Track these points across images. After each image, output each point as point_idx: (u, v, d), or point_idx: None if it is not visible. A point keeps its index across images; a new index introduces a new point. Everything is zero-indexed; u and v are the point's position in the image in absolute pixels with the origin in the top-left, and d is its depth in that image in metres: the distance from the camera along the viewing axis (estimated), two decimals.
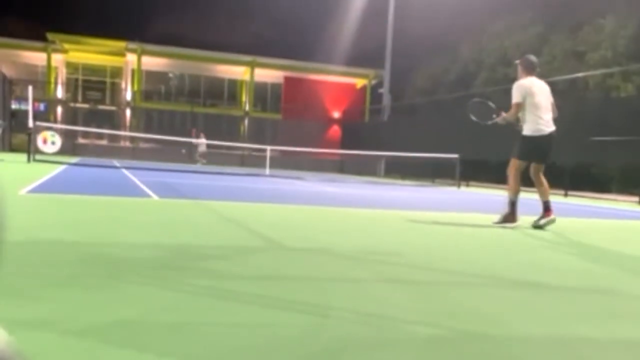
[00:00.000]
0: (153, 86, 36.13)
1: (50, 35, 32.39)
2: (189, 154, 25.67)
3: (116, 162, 19.99)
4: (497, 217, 5.82)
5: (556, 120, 5.93)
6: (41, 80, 33.85)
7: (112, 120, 34.04)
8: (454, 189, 16.49)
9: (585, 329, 2.04)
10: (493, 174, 17.55)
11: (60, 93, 34.34)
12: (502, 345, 1.79)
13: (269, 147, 21.32)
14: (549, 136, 5.74)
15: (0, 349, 0.71)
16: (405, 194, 12.06)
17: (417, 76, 37.98)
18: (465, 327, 1.95)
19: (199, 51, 34.12)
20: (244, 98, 36.10)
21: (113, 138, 30.85)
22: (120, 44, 32.93)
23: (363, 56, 38.76)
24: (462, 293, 2.53)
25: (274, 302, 2.12)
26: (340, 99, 35.94)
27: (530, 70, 5.90)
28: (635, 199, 14.15)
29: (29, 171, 10.66)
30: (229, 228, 4.41)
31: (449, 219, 6.31)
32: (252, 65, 34.64)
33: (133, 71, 34.15)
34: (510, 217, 5.70)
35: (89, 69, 35.87)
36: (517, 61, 6.10)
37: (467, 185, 18.69)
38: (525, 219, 6.16)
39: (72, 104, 33.45)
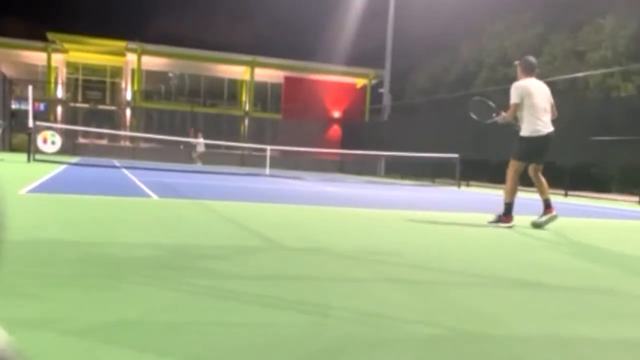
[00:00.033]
0: (153, 86, 36.13)
1: (50, 35, 32.38)
2: (187, 152, 25.62)
3: (116, 162, 19.99)
4: (492, 217, 5.82)
5: (556, 121, 5.93)
6: (41, 80, 33.85)
7: (112, 120, 34.03)
8: (454, 188, 16.49)
9: (585, 329, 2.04)
10: (493, 174, 17.54)
11: (60, 93, 34.35)
12: (502, 345, 1.79)
13: (269, 147, 21.32)
14: (547, 137, 5.74)
15: (0, 349, 0.71)
16: (405, 193, 12.06)
17: (417, 76, 37.97)
18: (465, 327, 1.95)
19: (199, 51, 34.12)
20: (244, 98, 36.10)
21: (113, 138, 30.85)
22: (121, 44, 32.93)
23: (363, 56, 38.83)
24: (462, 293, 2.53)
25: (274, 302, 2.12)
26: (341, 98, 35.94)
27: (529, 71, 5.90)
28: (636, 198, 14.15)
29: (29, 171, 10.66)
30: (229, 228, 4.41)
31: (449, 219, 6.31)
32: (252, 65, 34.64)
33: (133, 71, 34.15)
34: (505, 218, 5.70)
35: (89, 69, 35.87)
36: (517, 62, 6.10)
37: (467, 185, 18.69)
38: (524, 219, 6.16)
39: (72, 104, 33.43)
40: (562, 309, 2.33)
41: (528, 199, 8.82)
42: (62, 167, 12.93)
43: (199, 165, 23.12)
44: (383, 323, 1.93)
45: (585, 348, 1.82)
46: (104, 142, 31.31)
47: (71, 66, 35.41)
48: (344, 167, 29.56)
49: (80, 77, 35.94)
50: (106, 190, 7.52)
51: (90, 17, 64.54)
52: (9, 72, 28.24)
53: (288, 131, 30.90)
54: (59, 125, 25.11)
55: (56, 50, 33.57)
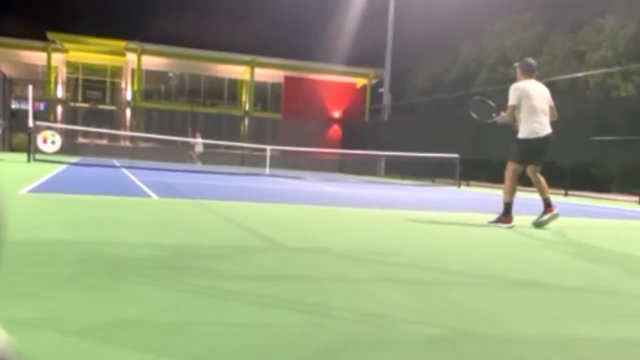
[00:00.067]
0: (153, 86, 36.11)
1: (50, 35, 32.37)
2: (185, 151, 25.58)
3: (116, 162, 20.00)
4: (492, 217, 5.83)
5: (556, 121, 5.93)
6: (41, 79, 33.84)
7: (112, 119, 34.01)
8: (454, 188, 16.49)
9: (585, 329, 2.04)
10: (493, 174, 17.53)
11: (60, 92, 34.33)
12: (502, 345, 1.79)
13: (269, 147, 21.31)
14: (545, 139, 5.74)
15: (0, 348, 0.71)
16: (405, 193, 12.06)
17: (417, 76, 37.98)
18: (465, 327, 1.95)
19: (199, 51, 34.11)
20: (244, 98, 36.09)
21: (113, 138, 30.84)
22: (121, 44, 32.91)
23: (363, 56, 38.80)
24: (462, 293, 2.53)
25: (274, 302, 2.12)
26: (341, 98, 35.93)
27: (528, 73, 5.90)
28: (636, 198, 14.15)
29: (29, 171, 10.66)
30: (229, 228, 4.41)
31: (449, 219, 6.31)
32: (252, 64, 34.63)
33: (133, 71, 34.14)
34: (505, 218, 5.71)
35: (89, 69, 35.86)
36: (516, 64, 6.11)
37: (467, 185, 18.69)
38: (524, 219, 6.17)
39: (72, 104, 33.41)
40: (562, 309, 2.33)
41: (528, 199, 8.82)
42: (62, 167, 12.93)
43: (199, 165, 23.12)
44: (383, 323, 1.93)
45: (585, 348, 1.82)
46: (104, 142, 31.31)
47: (71, 66, 35.40)
48: (344, 167, 29.56)
49: (80, 76, 35.93)
50: (106, 190, 7.52)
51: (90, 16, 64.54)
52: (9, 71, 28.23)
53: (288, 131, 30.89)
54: (59, 125, 25.10)
55: (56, 50, 33.56)
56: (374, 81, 36.22)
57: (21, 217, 4.03)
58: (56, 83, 34.59)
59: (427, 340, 1.78)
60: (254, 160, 27.01)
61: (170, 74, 36.46)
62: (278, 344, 1.64)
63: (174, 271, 2.59)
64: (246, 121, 33.26)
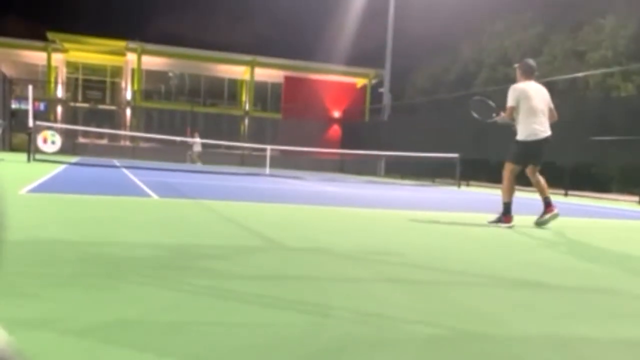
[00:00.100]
0: (153, 86, 36.11)
1: (50, 35, 32.36)
2: (184, 151, 25.57)
3: (116, 162, 19.99)
4: (492, 217, 5.84)
5: (556, 121, 5.93)
6: (41, 79, 33.84)
7: (112, 119, 34.01)
8: (454, 188, 16.50)
9: (585, 329, 2.04)
10: (493, 174, 17.52)
11: (60, 92, 34.33)
12: (502, 345, 1.79)
13: (269, 147, 21.31)
14: (544, 141, 5.74)
15: (0, 348, 0.71)
16: (406, 193, 12.06)
17: (417, 76, 38.00)
18: (465, 327, 1.95)
19: (199, 51, 34.11)
20: (244, 97, 36.09)
21: (113, 137, 30.84)
22: (121, 44, 32.91)
23: (363, 56, 38.79)
24: (462, 293, 2.53)
25: (274, 302, 2.12)
26: (341, 98, 35.93)
27: (528, 74, 5.90)
28: (636, 198, 14.15)
29: (29, 171, 10.66)
30: (229, 228, 4.41)
31: (449, 219, 6.31)
32: (252, 64, 34.63)
33: (133, 70, 34.14)
34: (505, 218, 5.71)
35: (89, 69, 35.86)
36: (516, 65, 6.11)
37: (468, 185, 18.69)
38: (525, 218, 6.17)
39: (72, 104, 33.42)
40: (562, 309, 2.33)
41: (528, 199, 8.82)
42: (62, 166, 12.93)
43: (199, 165, 23.12)
44: (383, 323, 1.93)
45: (585, 348, 1.82)
46: (104, 141, 31.31)
47: (71, 66, 35.40)
48: (344, 167, 29.56)
49: (80, 76, 35.93)
50: (106, 190, 7.52)
51: (91, 16, 64.55)
52: (9, 71, 28.23)
53: (288, 131, 30.89)
54: (59, 125, 25.11)
55: (56, 50, 33.57)
56: (374, 81, 36.22)
57: (21, 217, 4.03)
58: (56, 83, 34.59)
59: (427, 340, 1.78)
60: (254, 160, 27.01)
61: (170, 74, 36.46)
62: (278, 344, 1.64)
63: (174, 271, 2.59)
64: (246, 121, 33.26)
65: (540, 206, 5.89)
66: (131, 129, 31.93)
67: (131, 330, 1.67)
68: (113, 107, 34.94)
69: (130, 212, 5.10)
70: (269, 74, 35.47)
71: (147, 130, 29.36)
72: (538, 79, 6.06)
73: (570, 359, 1.71)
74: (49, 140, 18.48)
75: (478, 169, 19.55)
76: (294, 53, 44.84)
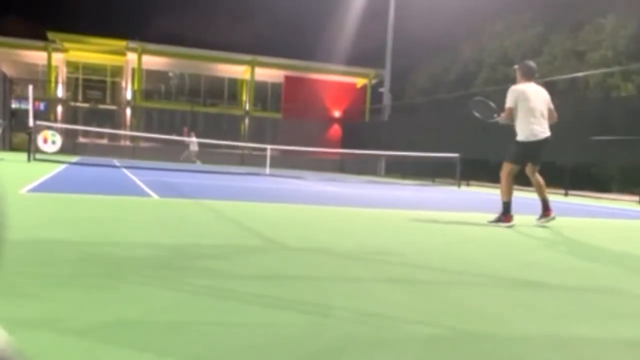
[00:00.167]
0: (153, 85, 36.11)
1: (50, 35, 32.37)
2: (182, 151, 25.57)
3: (116, 162, 20.00)
4: (492, 217, 5.85)
5: (556, 122, 5.95)
6: (41, 79, 33.85)
7: (112, 119, 34.02)
8: (454, 188, 16.49)
9: (585, 328, 2.04)
10: (493, 174, 17.51)
11: (60, 92, 34.34)
12: (502, 345, 1.79)
13: (269, 147, 21.30)
14: (544, 141, 5.76)
15: (0, 348, 0.71)
16: (406, 193, 12.06)
17: (417, 76, 37.97)
18: (465, 326, 1.95)
19: (200, 50, 34.11)
20: (244, 97, 36.08)
21: (113, 137, 30.84)
22: (121, 43, 32.91)
23: (363, 56, 38.81)
24: (462, 293, 2.53)
25: (274, 302, 2.12)
26: (341, 98, 35.93)
27: (528, 75, 5.91)
28: (636, 198, 14.14)
29: (29, 170, 10.67)
30: (229, 227, 4.41)
31: (449, 219, 6.31)
32: (253, 64, 34.63)
33: (133, 70, 34.14)
34: (504, 217, 5.72)
35: (90, 68, 35.86)
36: (516, 66, 6.13)
37: (468, 185, 18.69)
38: (525, 218, 6.18)
39: (72, 103, 33.43)
40: (562, 309, 2.33)
41: (528, 199, 8.82)
42: (62, 166, 12.93)
43: (198, 164, 23.13)
44: (383, 323, 1.93)
45: (585, 348, 1.82)
46: (104, 141, 31.32)
47: (71, 65, 35.40)
48: (344, 166, 29.57)
49: (81, 76, 35.93)
50: (106, 189, 7.52)
51: (91, 16, 64.60)
52: (9, 71, 28.23)
53: (288, 131, 30.90)
54: (59, 125, 25.11)
55: (56, 50, 33.57)
56: (374, 81, 36.22)
57: (21, 216, 4.03)
58: (56, 83, 34.60)
59: (427, 340, 1.78)
60: (254, 160, 27.00)
61: (171, 74, 36.46)
62: (278, 344, 1.64)
63: (174, 271, 2.59)
64: (246, 121, 33.27)
65: (540, 206, 5.91)
66: (131, 129, 31.94)
67: (131, 330, 1.67)
68: (113, 107, 34.94)
69: (130, 212, 5.10)
70: (269, 73, 35.47)
71: (147, 130, 29.37)
72: (538, 79, 6.07)
73: (570, 359, 1.71)
74: (49, 140, 18.48)
75: (478, 169, 19.54)
76: (294, 53, 44.86)
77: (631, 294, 2.78)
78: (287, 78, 35.82)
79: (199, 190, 8.35)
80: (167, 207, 5.76)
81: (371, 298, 2.30)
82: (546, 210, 5.88)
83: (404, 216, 6.21)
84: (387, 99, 29.21)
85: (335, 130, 33.08)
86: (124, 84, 35.17)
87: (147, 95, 35.16)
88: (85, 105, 34.07)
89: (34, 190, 6.39)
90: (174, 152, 25.54)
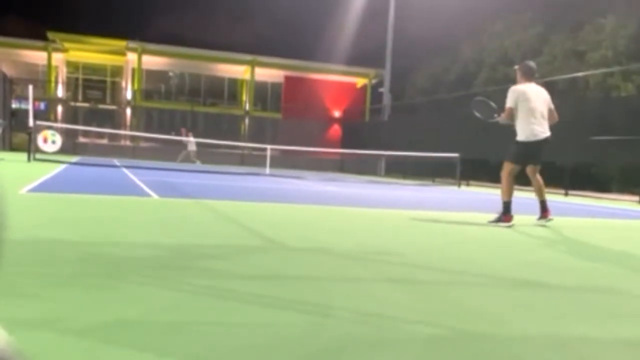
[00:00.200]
0: (153, 85, 36.10)
1: (50, 35, 32.36)
2: (181, 151, 25.58)
3: (116, 161, 19.99)
4: (492, 216, 5.85)
5: (556, 122, 5.96)
6: (41, 79, 33.84)
7: (112, 119, 34.02)
8: (454, 188, 16.49)
9: (585, 328, 2.04)
10: (493, 174, 17.51)
11: (60, 92, 34.33)
12: (502, 345, 1.79)
13: (269, 147, 21.30)
14: (544, 141, 5.78)
15: (0, 348, 0.71)
16: (406, 193, 12.06)
17: (417, 76, 37.97)
18: (465, 326, 1.95)
19: (200, 50, 34.10)
20: (244, 97, 36.08)
21: (113, 137, 30.84)
22: (121, 43, 32.91)
23: (363, 56, 38.82)
24: (462, 293, 2.53)
25: (274, 302, 2.12)
26: (341, 98, 35.93)
27: (528, 76, 5.92)
28: (636, 198, 14.14)
29: (29, 170, 10.67)
30: (229, 227, 4.41)
31: (450, 219, 6.31)
32: (253, 64, 34.62)
33: (133, 70, 34.13)
34: (504, 217, 5.73)
35: (90, 68, 35.85)
36: (516, 67, 6.14)
37: (468, 185, 18.69)
38: (525, 218, 6.18)
39: (72, 103, 33.43)
40: (562, 309, 2.33)
41: (528, 199, 8.82)
42: (63, 166, 12.93)
43: (198, 164, 23.14)
44: (383, 323, 1.93)
45: (585, 348, 1.82)
46: (104, 141, 31.31)
47: (71, 65, 35.40)
48: (344, 166, 29.57)
49: (81, 76, 35.92)
50: (106, 189, 7.52)
51: (91, 16, 64.60)
52: (9, 71, 28.23)
53: (288, 131, 30.91)
54: (59, 125, 25.11)
55: (56, 50, 33.56)
56: (374, 81, 36.22)
57: (21, 216, 4.03)
58: (56, 83, 34.59)
59: (427, 340, 1.78)
60: (254, 160, 27.00)
61: (171, 74, 36.46)
62: (278, 344, 1.64)
63: (174, 271, 2.59)
64: (246, 121, 33.27)
65: (537, 206, 5.94)
66: (131, 129, 31.94)
67: (131, 330, 1.67)
68: (113, 107, 34.94)
69: (131, 212, 5.10)
70: (269, 73, 35.46)
71: (147, 130, 29.37)
72: (538, 79, 6.08)
73: (570, 358, 1.71)
74: (49, 140, 18.47)
75: (478, 169, 19.55)
76: (294, 53, 44.89)
77: (631, 293, 2.78)
78: (287, 78, 35.82)
79: (199, 190, 8.35)
80: (167, 207, 5.76)
81: (371, 298, 2.30)
82: (544, 212, 5.91)
83: (404, 216, 6.21)
84: (387, 99, 29.22)
85: (335, 130, 33.08)
86: (124, 84, 35.16)
87: (147, 95, 35.16)
88: (85, 105, 34.07)
89: (34, 190, 6.39)
90: (174, 152, 25.54)
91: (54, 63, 34.08)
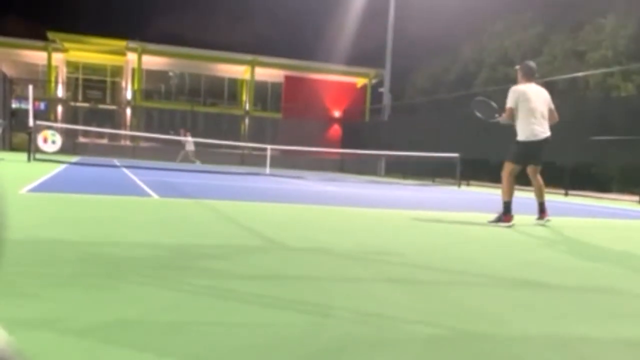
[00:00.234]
0: (153, 85, 36.10)
1: (50, 34, 32.35)
2: (180, 151, 25.59)
3: (116, 161, 19.99)
4: (493, 216, 5.85)
5: (556, 122, 5.96)
6: (42, 79, 33.84)
7: (112, 119, 34.01)
8: (454, 188, 16.49)
9: (585, 328, 2.04)
10: (493, 173, 17.51)
11: (60, 92, 34.33)
12: (502, 345, 1.79)
13: (269, 146, 21.30)
14: (544, 141, 5.79)
15: (0, 348, 0.71)
16: (406, 193, 12.06)
17: (417, 76, 37.98)
18: (465, 326, 1.95)
19: (200, 50, 34.10)
20: (244, 97, 36.08)
21: (113, 137, 30.84)
22: (121, 43, 32.90)
23: (363, 55, 38.83)
24: (462, 293, 2.53)
25: (274, 302, 2.12)
26: (341, 98, 35.93)
27: (529, 76, 5.93)
28: (636, 198, 14.14)
29: (30, 170, 10.67)
30: (229, 227, 4.41)
31: (450, 218, 6.31)
32: (253, 64, 34.62)
33: (133, 70, 34.13)
34: (505, 217, 5.73)
35: (90, 68, 35.85)
36: (517, 67, 6.15)
37: (468, 185, 18.69)
38: (525, 218, 6.18)
39: (72, 103, 33.43)
40: (562, 309, 2.33)
41: (528, 199, 8.82)
42: (63, 166, 12.93)
43: (198, 164, 23.15)
44: (383, 323, 1.93)
45: (585, 348, 1.82)
46: (105, 141, 31.31)
47: (71, 65, 35.39)
48: (344, 166, 29.57)
49: (81, 76, 35.91)
50: (106, 189, 7.52)
51: (91, 16, 64.61)
52: (9, 71, 28.23)
53: (288, 130, 30.91)
54: (59, 125, 25.11)
55: (56, 50, 33.56)
56: (374, 81, 36.22)
57: (21, 216, 4.03)
58: (56, 82, 34.59)
59: (427, 340, 1.78)
60: (254, 160, 27.00)
61: (171, 74, 36.46)
62: (278, 344, 1.64)
63: (174, 271, 2.59)
64: (246, 121, 33.27)
65: (536, 207, 5.95)
66: (131, 129, 31.93)
67: (131, 330, 1.67)
68: (113, 107, 34.94)
69: (131, 212, 5.10)
70: (269, 73, 35.46)
71: (147, 129, 29.37)
72: (538, 79, 6.09)
73: (570, 358, 1.71)
74: (49, 140, 18.46)
75: (478, 169, 19.55)
76: (294, 53, 44.92)
77: (631, 293, 2.78)
78: (287, 78, 35.81)
79: (199, 190, 8.35)
80: (167, 207, 5.76)
81: (371, 298, 2.30)
82: (542, 213, 5.94)
83: (404, 216, 6.21)
84: (387, 99, 29.22)
85: (335, 130, 33.08)
86: (124, 84, 35.16)
87: (147, 95, 35.16)
88: (85, 105, 34.06)
89: (34, 190, 6.39)
90: (174, 152, 25.55)
91: (54, 63, 34.08)
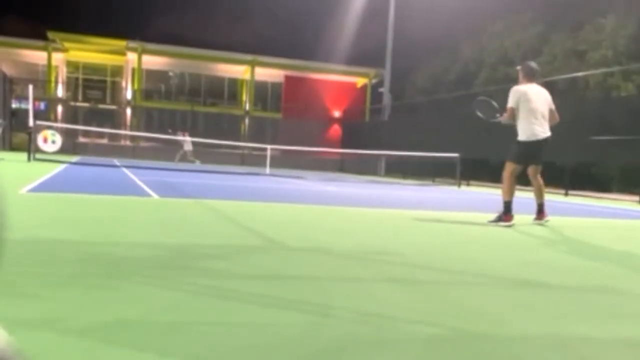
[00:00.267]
0: (153, 85, 36.10)
1: (50, 34, 32.35)
2: (175, 152, 25.58)
3: (116, 161, 19.99)
4: (493, 216, 5.86)
5: (557, 123, 5.97)
6: (42, 79, 33.84)
7: (112, 119, 34.01)
8: (454, 188, 16.49)
9: (585, 328, 2.04)
10: (493, 173, 17.51)
11: (60, 92, 34.33)
12: (502, 345, 1.79)
13: (269, 146, 21.29)
14: (544, 141, 5.81)
15: (0, 348, 0.71)
16: (406, 193, 12.05)
17: (418, 76, 37.98)
18: (465, 326, 1.95)
19: (200, 50, 34.09)
20: (244, 97, 36.07)
21: (113, 137, 30.84)
22: (121, 43, 32.90)
23: (363, 55, 38.82)
24: (462, 292, 2.53)
25: (274, 302, 2.12)
26: (341, 98, 35.92)
27: (530, 76, 5.94)
28: (636, 198, 14.14)
29: (29, 170, 10.67)
30: (229, 227, 4.41)
31: (450, 218, 6.31)
32: (253, 64, 34.62)
33: (133, 70, 34.13)
34: (505, 217, 5.73)
35: (90, 68, 35.85)
36: (518, 67, 6.16)
37: (468, 185, 18.69)
38: (525, 218, 6.18)
39: (72, 103, 33.42)
40: (562, 309, 2.33)
41: (529, 199, 8.82)
42: (63, 166, 12.93)
43: (198, 164, 23.15)
44: (383, 323, 1.93)
45: (585, 348, 1.82)
46: (105, 141, 31.31)
47: (71, 65, 35.39)
48: (344, 166, 29.57)
49: (81, 76, 35.91)
50: (106, 189, 7.52)
51: (91, 16, 64.60)
52: (9, 71, 28.23)
53: (288, 130, 30.91)
54: (59, 125, 25.11)
55: (56, 49, 33.56)
56: (374, 81, 36.21)
57: (21, 216, 4.03)
58: (56, 82, 34.59)
59: (427, 340, 1.78)
60: (254, 160, 27.00)
61: (171, 74, 36.45)
62: (278, 344, 1.64)
63: (174, 271, 2.59)
64: (246, 121, 33.26)
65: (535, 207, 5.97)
66: (131, 129, 31.93)
67: (131, 330, 1.67)
68: (113, 107, 34.93)
69: (131, 212, 5.10)
70: (269, 73, 35.46)
71: (148, 129, 29.36)
72: (538, 79, 6.09)
73: (570, 358, 1.71)
74: (49, 140, 18.47)
75: (478, 169, 19.55)
76: (294, 53, 44.94)
77: (631, 293, 2.78)
78: (287, 78, 35.81)
79: (199, 190, 8.35)
80: (167, 207, 5.76)
81: (371, 298, 2.30)
82: (540, 214, 5.96)
83: (404, 216, 6.21)
84: (387, 99, 29.21)
85: (336, 130, 33.08)
86: (124, 84, 35.16)
87: (147, 95, 35.16)
88: (85, 105, 34.06)
89: (34, 190, 6.39)
90: (174, 152, 25.55)
91: (54, 63, 34.08)
